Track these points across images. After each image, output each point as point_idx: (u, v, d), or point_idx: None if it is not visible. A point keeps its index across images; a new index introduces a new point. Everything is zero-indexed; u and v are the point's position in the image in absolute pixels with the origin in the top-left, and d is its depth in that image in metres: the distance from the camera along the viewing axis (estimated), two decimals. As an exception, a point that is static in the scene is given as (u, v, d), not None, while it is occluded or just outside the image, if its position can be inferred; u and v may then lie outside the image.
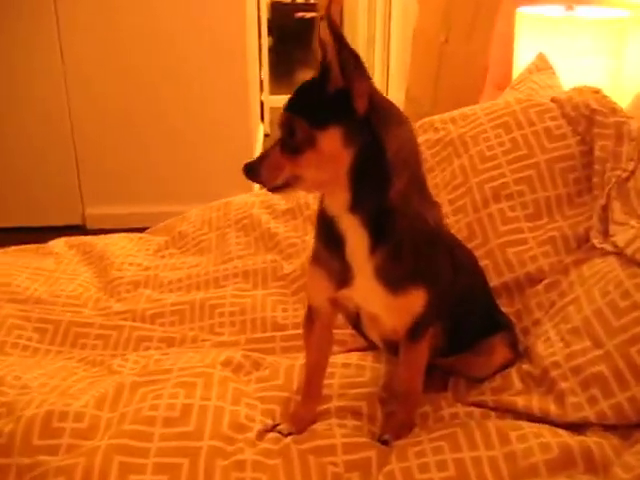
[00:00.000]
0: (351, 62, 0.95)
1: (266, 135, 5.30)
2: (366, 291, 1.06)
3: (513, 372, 1.20)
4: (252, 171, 1.01)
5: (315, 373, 1.20)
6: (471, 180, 1.51)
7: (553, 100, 1.58)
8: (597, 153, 1.43)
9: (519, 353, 1.24)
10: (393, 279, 1.04)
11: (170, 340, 1.53)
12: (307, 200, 1.85)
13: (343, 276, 1.06)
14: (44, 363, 1.43)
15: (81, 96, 3.53)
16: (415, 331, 1.11)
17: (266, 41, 5.59)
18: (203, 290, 1.72)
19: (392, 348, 1.22)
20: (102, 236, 2.08)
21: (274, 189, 1.02)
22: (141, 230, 2.18)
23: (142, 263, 1.89)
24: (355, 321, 1.17)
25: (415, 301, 1.06)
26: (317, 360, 1.20)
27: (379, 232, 1.02)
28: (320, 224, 1.08)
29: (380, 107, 0.99)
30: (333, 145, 0.96)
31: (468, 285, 1.21)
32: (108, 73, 3.51)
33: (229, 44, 3.58)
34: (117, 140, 3.64)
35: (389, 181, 0.99)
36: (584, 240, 1.39)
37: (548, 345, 1.18)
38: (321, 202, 1.07)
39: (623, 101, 2.35)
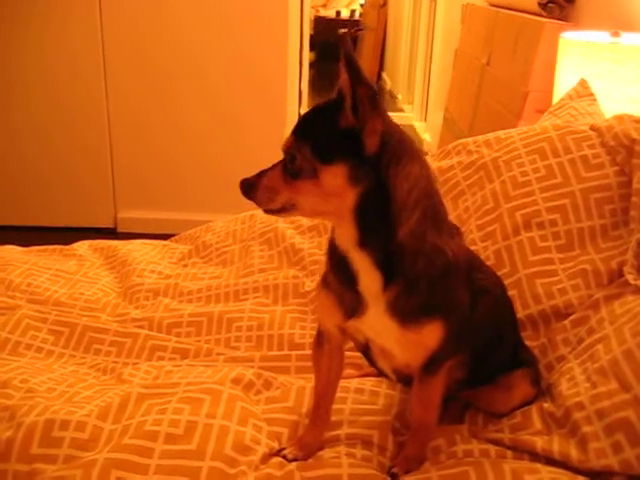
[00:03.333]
0: (366, 100, 0.89)
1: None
2: (377, 325, 1.02)
3: (534, 410, 1.14)
4: (248, 189, 0.97)
5: (324, 397, 1.15)
6: (502, 206, 1.46)
7: (592, 128, 1.52)
8: (636, 185, 1.37)
9: (541, 390, 1.19)
10: (407, 313, 0.99)
11: (184, 352, 1.50)
12: (333, 217, 1.81)
13: (353, 306, 1.02)
14: (55, 367, 1.42)
15: (119, 104, 3.57)
16: (430, 365, 1.05)
17: (307, 56, 5.59)
18: (222, 302, 1.69)
19: (404, 380, 1.18)
20: (126, 241, 2.07)
21: (269, 211, 0.98)
22: (169, 236, 2.17)
23: (163, 271, 1.88)
24: (365, 350, 1.12)
25: (430, 336, 1.01)
26: (326, 384, 1.15)
27: (391, 269, 0.96)
28: (331, 253, 1.03)
29: (392, 144, 0.93)
30: (336, 181, 0.91)
31: (491, 313, 1.15)
32: (147, 83, 3.55)
33: (270, 59, 3.58)
34: (151, 148, 3.69)
35: (399, 220, 0.93)
36: (617, 275, 1.32)
37: (572, 384, 1.12)
38: (332, 230, 1.02)
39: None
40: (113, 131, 3.63)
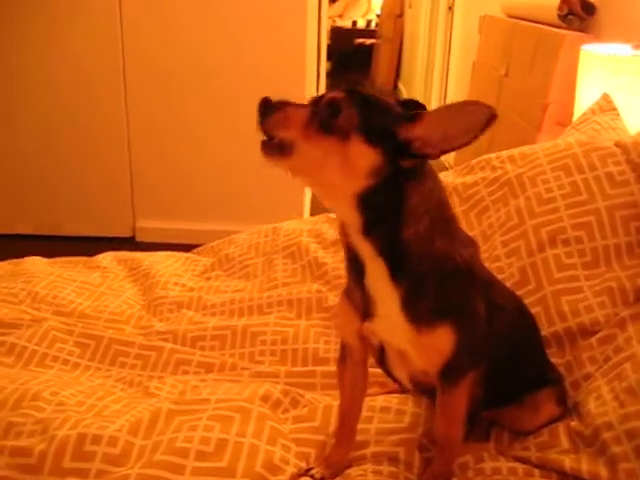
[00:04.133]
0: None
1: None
2: (389, 324, 1.02)
3: (561, 429, 1.14)
4: (266, 107, 0.92)
5: (349, 415, 1.15)
6: (527, 222, 1.46)
7: (617, 144, 1.53)
8: (662, 203, 1.38)
9: (567, 409, 1.18)
10: (417, 314, 0.99)
11: (209, 366, 1.51)
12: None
13: (366, 307, 1.02)
14: (83, 379, 1.43)
15: (138, 115, 3.60)
16: (449, 374, 1.04)
17: (324, 66, 5.61)
18: (246, 316, 1.70)
19: (423, 391, 1.17)
20: (150, 253, 2.09)
21: (266, 145, 0.93)
22: (186, 246, 2.18)
23: (187, 284, 1.89)
24: (381, 358, 1.11)
25: (442, 339, 1.00)
26: (350, 400, 1.15)
27: (398, 264, 0.96)
28: (345, 252, 1.03)
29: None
30: (359, 161, 0.89)
31: (509, 329, 1.14)
32: (165, 95, 3.58)
33: (288, 70, 3.58)
34: (169, 158, 3.71)
35: (406, 222, 0.94)
36: (643, 294, 1.32)
37: (600, 403, 1.12)
38: (341, 226, 1.01)
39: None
40: (132, 138, 3.66)
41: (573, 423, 1.13)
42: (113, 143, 3.64)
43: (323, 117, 0.90)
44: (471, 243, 1.07)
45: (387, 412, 1.24)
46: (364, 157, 0.89)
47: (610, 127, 1.93)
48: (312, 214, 4.04)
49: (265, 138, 0.93)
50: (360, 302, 1.03)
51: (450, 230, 1.00)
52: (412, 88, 7.40)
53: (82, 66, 3.49)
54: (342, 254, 1.80)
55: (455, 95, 5.35)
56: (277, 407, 1.27)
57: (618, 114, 1.98)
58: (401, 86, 8.45)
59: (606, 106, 2.00)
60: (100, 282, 1.88)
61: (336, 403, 1.26)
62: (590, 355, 1.27)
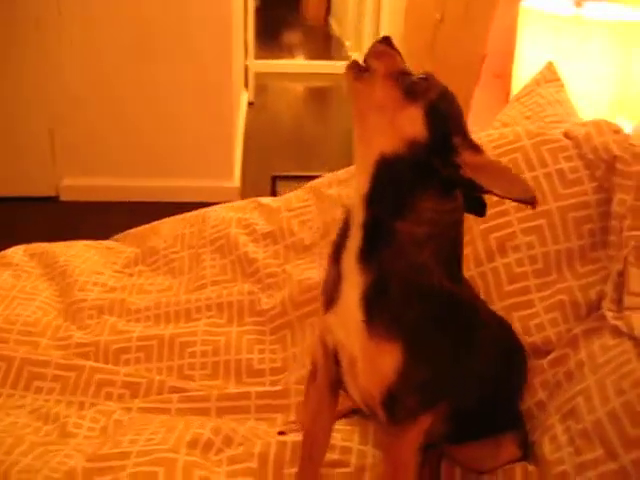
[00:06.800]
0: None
1: (250, 103, 5.08)
2: (346, 318, 0.93)
3: (517, 471, 1.07)
4: (383, 42, 0.96)
5: (310, 445, 1.05)
6: (474, 228, 1.35)
7: (568, 136, 1.42)
8: (616, 208, 1.29)
9: (527, 454, 1.11)
10: (374, 315, 0.91)
11: (134, 387, 1.40)
12: (290, 226, 1.69)
13: (334, 292, 0.95)
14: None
15: (58, 69, 3.34)
16: (395, 411, 0.93)
17: (252, 2, 5.31)
18: (173, 323, 1.58)
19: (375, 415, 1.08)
20: (67, 243, 1.92)
21: (356, 62, 0.95)
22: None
23: (107, 282, 1.74)
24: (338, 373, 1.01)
25: (386, 358, 0.90)
26: (312, 429, 1.06)
27: (373, 246, 0.92)
28: (342, 222, 0.98)
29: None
30: (405, 122, 0.90)
31: (487, 375, 1.05)
32: (85, 46, 3.34)
33: (214, 5, 3.44)
34: (91, 114, 3.52)
35: (406, 216, 0.91)
36: (596, 306, 1.25)
37: (555, 447, 1.05)
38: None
39: (633, 111, 2.20)
40: (51, 96, 3.46)
41: (530, 468, 1.06)
42: (33, 97, 3.38)
43: (410, 77, 0.93)
44: (466, 285, 1.03)
45: (332, 450, 1.13)
46: (413, 125, 0.90)
47: (555, 100, 1.83)
48: (242, 177, 3.88)
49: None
50: (330, 286, 0.96)
51: (445, 258, 0.94)
52: (344, 23, 7.15)
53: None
54: (274, 249, 1.70)
55: (389, 31, 5.16)
56: (209, 449, 1.15)
57: (562, 85, 1.88)
58: (332, 22, 8.16)
59: (550, 76, 1.89)
60: (11, 284, 1.70)
61: (274, 440, 1.17)
62: (542, 380, 1.20)
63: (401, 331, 0.90)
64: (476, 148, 0.92)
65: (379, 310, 0.91)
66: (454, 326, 0.96)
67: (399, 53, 0.96)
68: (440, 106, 0.92)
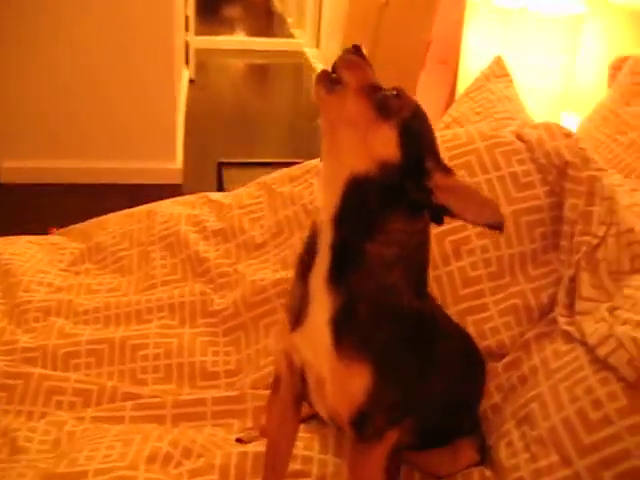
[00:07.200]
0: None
1: (191, 81, 4.97)
2: (314, 337, 0.92)
3: (475, 476, 1.10)
4: (353, 52, 0.92)
5: (276, 456, 1.05)
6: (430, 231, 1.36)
7: (520, 139, 1.43)
8: (567, 213, 1.31)
9: (484, 458, 1.14)
10: (343, 337, 0.90)
11: (86, 395, 1.36)
12: (242, 224, 1.67)
13: (300, 311, 0.94)
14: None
15: None
16: (362, 428, 0.94)
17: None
18: (123, 325, 1.54)
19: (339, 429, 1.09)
20: (9, 238, 1.84)
21: (326, 72, 0.91)
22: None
23: (54, 282, 1.68)
24: (304, 389, 1.01)
25: (356, 380, 0.90)
26: (277, 439, 1.06)
27: (343, 269, 0.90)
28: (308, 237, 0.97)
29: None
30: (377, 141, 0.88)
31: (450, 390, 1.07)
32: (21, 26, 3.21)
33: None
34: (32, 95, 3.38)
35: (374, 237, 0.89)
36: (548, 309, 1.28)
37: (511, 453, 1.07)
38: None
39: (577, 105, 2.25)
40: None
41: (487, 473, 1.09)
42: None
43: (382, 92, 0.90)
44: (429, 297, 1.03)
45: (294, 461, 1.13)
46: (386, 146, 0.88)
47: (504, 96, 1.85)
48: (185, 158, 3.81)
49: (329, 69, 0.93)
50: (297, 303, 0.95)
51: (413, 279, 0.94)
52: (286, 2, 7.05)
53: None
54: (225, 247, 1.68)
55: (332, 6, 5.12)
56: (168, 463, 1.14)
57: (511, 80, 1.91)
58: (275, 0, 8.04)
59: (499, 72, 1.91)
60: (-49, 284, 1.64)
61: (235, 450, 1.16)
62: (497, 383, 1.22)
63: (371, 353, 0.90)
64: (447, 170, 0.91)
65: (348, 332, 0.90)
66: (421, 344, 0.96)
67: (370, 64, 0.93)
68: (413, 126, 0.90)
